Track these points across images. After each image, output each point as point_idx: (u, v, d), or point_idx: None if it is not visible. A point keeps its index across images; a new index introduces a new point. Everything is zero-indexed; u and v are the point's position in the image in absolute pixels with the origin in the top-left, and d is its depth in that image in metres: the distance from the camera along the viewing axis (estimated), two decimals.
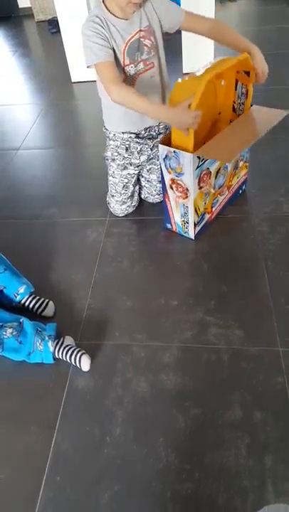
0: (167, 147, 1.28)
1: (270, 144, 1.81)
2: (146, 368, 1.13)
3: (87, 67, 1.25)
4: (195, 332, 1.20)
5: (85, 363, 1.13)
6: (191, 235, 1.47)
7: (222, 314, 1.23)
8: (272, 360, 1.11)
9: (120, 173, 1.52)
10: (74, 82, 2.72)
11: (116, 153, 1.50)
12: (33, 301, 1.30)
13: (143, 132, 1.45)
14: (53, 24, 3.45)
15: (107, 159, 1.55)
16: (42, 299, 1.31)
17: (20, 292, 1.29)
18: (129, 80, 1.31)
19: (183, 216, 1.43)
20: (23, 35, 3.79)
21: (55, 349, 1.15)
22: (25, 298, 1.30)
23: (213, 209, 1.50)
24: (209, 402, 1.04)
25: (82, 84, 2.69)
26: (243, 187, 1.64)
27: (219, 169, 1.39)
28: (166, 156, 1.31)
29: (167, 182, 1.38)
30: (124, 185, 1.54)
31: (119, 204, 1.59)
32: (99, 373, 1.13)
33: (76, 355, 1.14)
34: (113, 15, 1.23)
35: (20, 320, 1.19)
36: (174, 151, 1.26)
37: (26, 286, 1.30)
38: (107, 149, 1.53)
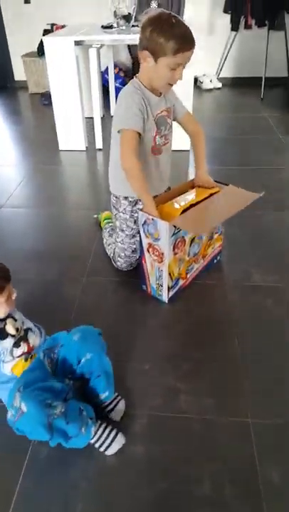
0: (146, 214, 1.36)
1: (240, 216, 1.94)
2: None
3: (118, 131, 1.38)
4: (165, 399, 1.18)
5: (118, 444, 1.04)
6: (165, 298, 1.50)
7: (193, 381, 1.23)
8: (243, 431, 1.09)
9: (129, 241, 1.61)
10: (61, 150, 2.88)
11: (125, 225, 1.60)
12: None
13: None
14: (46, 97, 3.72)
15: (115, 227, 1.65)
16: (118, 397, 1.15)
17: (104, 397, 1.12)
18: (157, 149, 1.47)
19: (158, 279, 1.48)
20: (16, 105, 4.05)
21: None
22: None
23: (188, 275, 1.56)
24: (178, 476, 1.00)
25: (69, 153, 2.86)
26: (218, 257, 1.73)
27: (194, 238, 1.47)
28: (144, 222, 1.38)
29: (145, 246, 1.44)
30: (132, 250, 1.61)
31: (127, 264, 1.65)
32: None
33: (110, 434, 1.03)
34: (148, 90, 1.40)
35: (67, 397, 1.05)
36: (153, 219, 1.34)
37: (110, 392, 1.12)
38: (116, 220, 1.63)
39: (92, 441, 1.03)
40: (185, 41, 1.25)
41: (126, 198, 1.56)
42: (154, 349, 1.34)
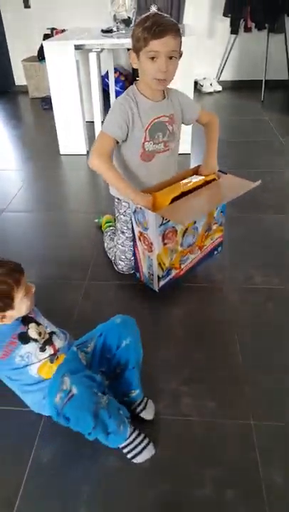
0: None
1: (241, 219, 1.95)
2: None
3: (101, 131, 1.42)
4: (167, 402, 1.18)
5: (148, 453, 1.03)
6: (155, 287, 1.51)
7: (194, 383, 1.23)
8: (245, 434, 1.09)
9: (130, 243, 1.61)
10: (62, 154, 2.89)
11: (125, 228, 1.60)
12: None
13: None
14: (46, 101, 3.73)
15: (116, 230, 1.65)
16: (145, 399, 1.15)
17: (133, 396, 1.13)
18: (147, 155, 1.45)
19: (149, 268, 1.49)
20: (17, 109, 4.07)
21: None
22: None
23: (183, 265, 1.56)
24: (180, 478, 1.00)
25: (70, 157, 2.87)
26: (219, 249, 1.73)
27: (186, 229, 1.46)
28: (135, 211, 1.39)
29: (136, 234, 1.45)
30: (133, 253, 1.61)
31: (128, 267, 1.66)
32: (66, 445, 1.08)
33: (142, 441, 1.03)
34: (144, 95, 1.39)
35: (105, 391, 1.03)
36: (141, 208, 1.34)
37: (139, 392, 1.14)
38: (117, 221, 1.64)
39: (123, 444, 1.02)
40: (157, 28, 1.23)
41: (126, 200, 1.57)
42: (154, 352, 1.34)
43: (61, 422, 1.01)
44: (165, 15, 1.30)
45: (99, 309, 1.52)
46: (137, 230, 1.44)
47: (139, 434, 1.04)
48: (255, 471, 1.01)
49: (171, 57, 1.28)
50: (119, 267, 1.68)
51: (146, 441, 1.04)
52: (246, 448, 1.06)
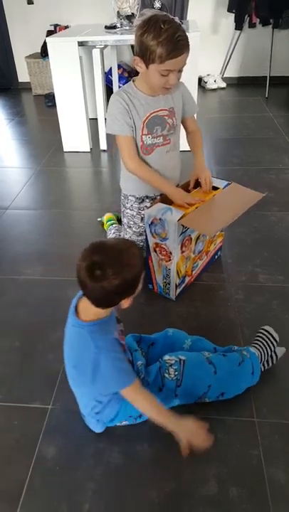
0: (153, 214, 1.36)
1: (245, 216, 1.94)
2: (121, 438, 1.09)
3: (106, 132, 1.42)
4: None
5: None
6: (172, 295, 1.51)
7: None
8: (249, 431, 1.09)
9: (137, 238, 1.61)
10: (66, 152, 2.89)
11: (132, 222, 1.60)
12: None
13: (158, 197, 1.55)
14: (50, 98, 3.73)
15: (123, 224, 1.66)
16: None
17: None
18: (146, 148, 1.45)
19: (165, 278, 1.48)
20: (21, 106, 4.06)
21: None
22: None
23: (193, 272, 1.57)
24: (184, 476, 1.00)
25: (74, 154, 2.86)
26: (219, 253, 1.74)
27: (199, 236, 1.48)
28: (151, 223, 1.39)
29: (151, 245, 1.45)
30: (140, 248, 1.61)
31: None
32: (70, 442, 1.08)
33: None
34: (141, 91, 1.38)
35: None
36: (160, 219, 1.34)
37: None
38: (123, 217, 1.64)
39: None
40: (173, 48, 1.19)
41: (133, 195, 1.57)
42: None
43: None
44: (178, 23, 1.23)
45: None
46: (152, 241, 1.44)
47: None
48: (259, 468, 1.01)
49: (180, 70, 1.29)
50: None
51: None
52: (250, 446, 1.06)
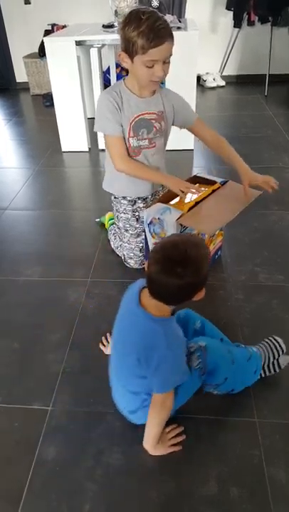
0: (153, 214, 1.36)
1: (245, 216, 1.93)
2: (121, 438, 1.08)
3: (95, 131, 1.43)
4: None
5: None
6: None
7: None
8: (249, 431, 1.09)
9: (135, 239, 1.60)
10: (64, 152, 2.88)
11: (128, 225, 1.60)
12: None
13: (150, 197, 1.56)
14: (48, 98, 3.72)
15: (119, 228, 1.65)
16: None
17: None
18: (133, 150, 1.44)
19: None
20: (19, 106, 4.05)
21: None
22: None
23: None
24: (185, 476, 1.00)
25: (72, 154, 2.86)
26: (219, 253, 1.73)
27: (198, 235, 1.47)
28: (150, 222, 1.38)
29: (150, 246, 1.44)
30: (140, 249, 1.61)
31: (139, 263, 1.66)
32: (71, 442, 1.08)
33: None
34: (131, 91, 1.37)
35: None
36: (159, 218, 1.34)
37: None
38: (118, 221, 1.63)
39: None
40: (154, 36, 1.18)
41: (124, 197, 1.56)
42: None
43: None
44: (159, 14, 1.23)
45: (102, 307, 1.52)
46: (151, 241, 1.43)
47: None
48: (260, 468, 1.01)
49: (166, 61, 1.26)
50: (130, 264, 1.68)
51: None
52: (251, 446, 1.06)
